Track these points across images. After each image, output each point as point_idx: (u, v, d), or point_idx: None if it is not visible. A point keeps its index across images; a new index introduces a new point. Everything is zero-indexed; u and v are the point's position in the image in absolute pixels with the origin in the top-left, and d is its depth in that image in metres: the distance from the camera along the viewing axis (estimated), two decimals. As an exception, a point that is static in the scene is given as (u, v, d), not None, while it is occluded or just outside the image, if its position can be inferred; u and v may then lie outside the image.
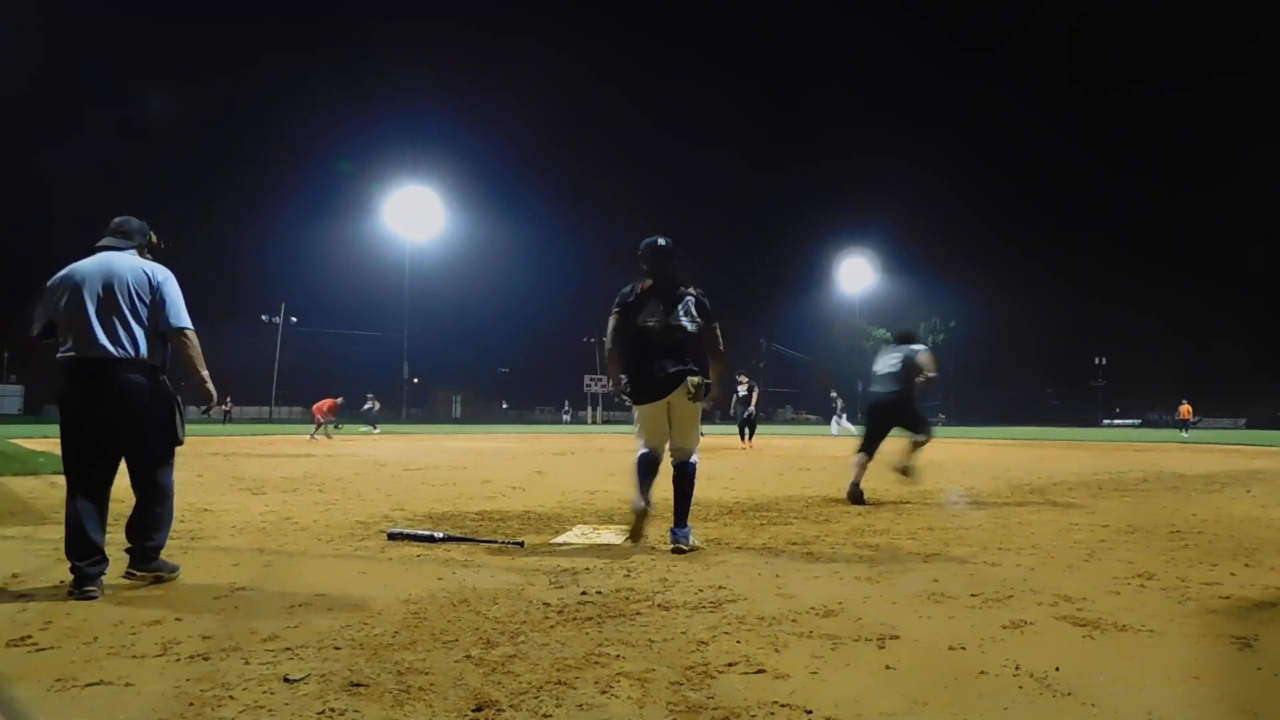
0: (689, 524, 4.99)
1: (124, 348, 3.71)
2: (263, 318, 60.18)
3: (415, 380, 71.58)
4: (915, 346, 7.94)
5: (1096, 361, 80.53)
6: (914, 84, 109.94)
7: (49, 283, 3.87)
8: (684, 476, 5.03)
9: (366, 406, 31.51)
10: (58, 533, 5.21)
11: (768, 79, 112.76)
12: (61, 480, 4.02)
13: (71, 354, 3.71)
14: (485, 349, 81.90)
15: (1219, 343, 76.53)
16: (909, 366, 7.75)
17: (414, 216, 67.30)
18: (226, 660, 2.63)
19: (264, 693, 2.33)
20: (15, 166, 59.19)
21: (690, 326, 4.93)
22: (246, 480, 9.39)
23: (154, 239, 4.15)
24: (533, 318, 79.32)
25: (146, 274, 3.84)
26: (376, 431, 29.27)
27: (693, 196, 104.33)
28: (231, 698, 2.29)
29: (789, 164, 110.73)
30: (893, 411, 7.95)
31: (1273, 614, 3.37)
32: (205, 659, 2.63)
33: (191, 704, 2.24)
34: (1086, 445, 23.04)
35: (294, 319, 62.46)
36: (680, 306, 4.93)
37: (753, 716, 2.18)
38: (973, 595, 3.63)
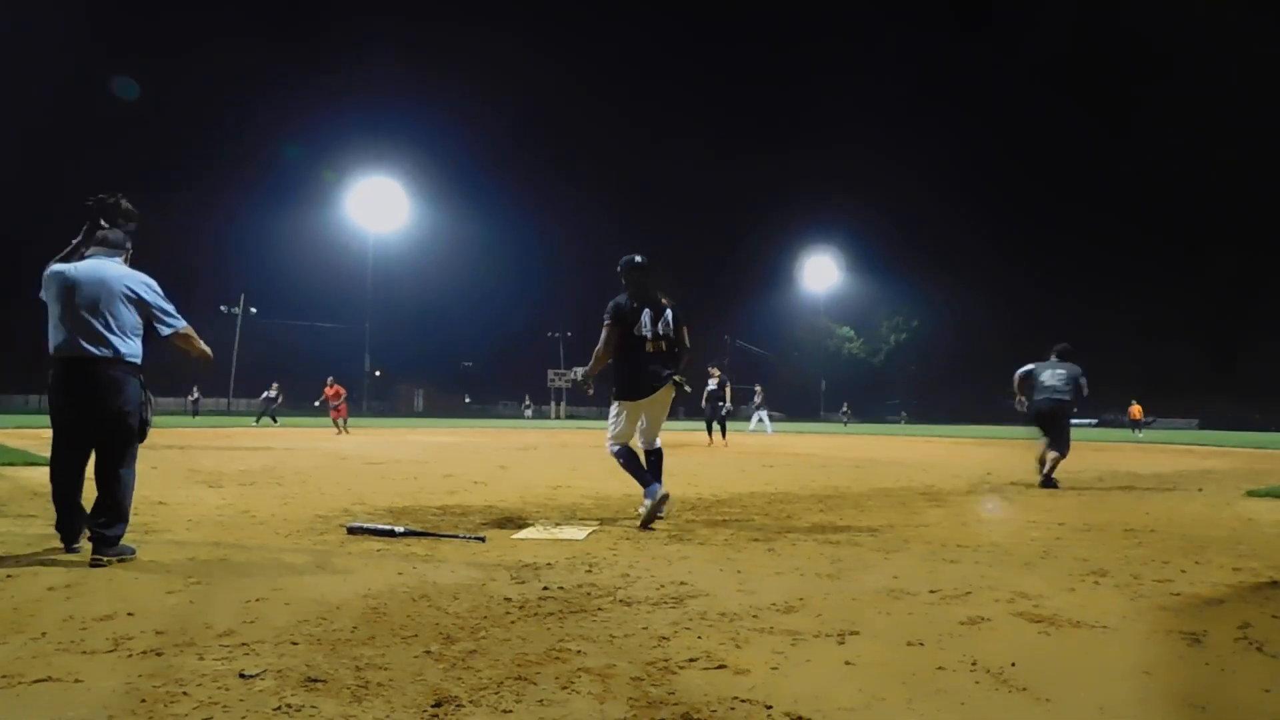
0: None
1: (103, 348, 4.11)
2: (221, 308, 59.15)
3: (377, 373, 70.87)
4: (1077, 366, 9.26)
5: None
6: (879, 82, 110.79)
7: (46, 272, 4.26)
8: (659, 457, 5.92)
9: (267, 394, 28.50)
10: (5, 525, 5.14)
11: (734, 74, 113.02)
12: (8, 470, 4.07)
13: (56, 351, 4.13)
14: (448, 343, 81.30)
15: (1173, 344, 78.16)
16: (1077, 383, 9.14)
17: (378, 208, 66.65)
18: (180, 656, 2.58)
19: (219, 689, 2.29)
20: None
21: (674, 335, 5.77)
22: (203, 473, 9.24)
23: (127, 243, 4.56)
24: (496, 312, 78.89)
25: (129, 284, 4.27)
26: (275, 425, 27.03)
27: (658, 192, 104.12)
28: (185, 694, 2.24)
29: (754, 160, 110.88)
30: (1058, 419, 9.13)
31: (1221, 610, 3.45)
32: (158, 655, 2.59)
33: (144, 700, 2.19)
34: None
35: (254, 310, 61.49)
36: (664, 319, 5.71)
37: (713, 712, 2.18)
38: (932, 592, 3.67)
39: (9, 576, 3.69)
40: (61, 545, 4.26)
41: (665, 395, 5.76)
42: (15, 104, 63.93)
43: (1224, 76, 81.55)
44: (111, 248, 4.41)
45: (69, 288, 4.13)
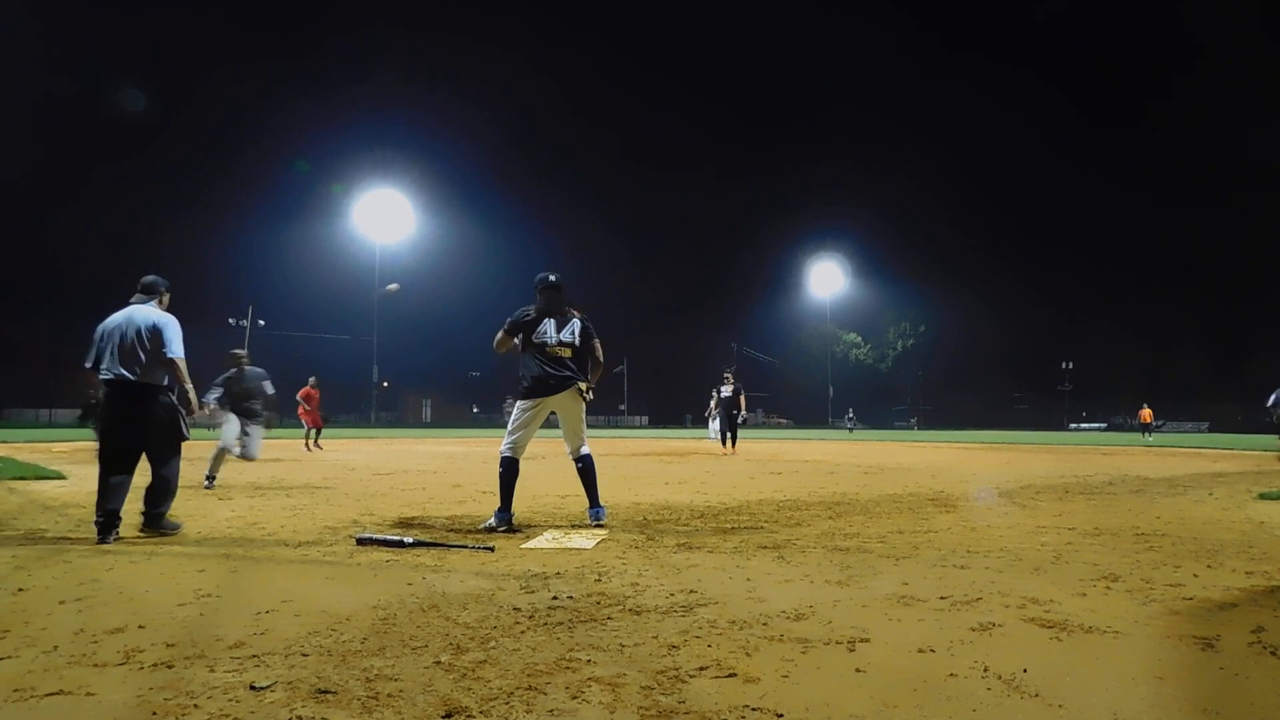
0: (601, 504, 6.11)
1: (135, 372, 5.36)
2: (230, 321, 59.31)
3: (385, 384, 70.99)
4: None
5: (1063, 366, 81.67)
6: (883, 90, 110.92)
7: (98, 329, 5.52)
8: (589, 465, 6.08)
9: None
10: (15, 540, 5.15)
11: (737, 84, 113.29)
12: (19, 485, 4.20)
13: (105, 376, 5.38)
14: (455, 353, 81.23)
15: (1183, 347, 77.88)
16: None
17: (384, 220, 66.93)
18: (191, 668, 2.58)
19: (230, 701, 2.29)
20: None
21: (579, 344, 6.08)
22: (212, 486, 9.24)
23: (167, 290, 5.80)
24: (503, 321, 79.16)
25: (154, 321, 5.47)
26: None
27: (663, 201, 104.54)
28: (196, 706, 2.25)
29: (759, 169, 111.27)
30: None
31: (1234, 615, 3.43)
32: (169, 667, 2.59)
33: (155, 713, 2.20)
34: (1053, 449, 23.33)
35: (262, 322, 61.69)
36: (569, 328, 6.07)
37: (724, 721, 2.18)
38: (942, 598, 3.66)
39: (20, 590, 3.70)
40: (96, 538, 5.13)
41: (569, 399, 5.99)
42: (27, 124, 64.52)
43: (1228, 78, 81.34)
44: (146, 293, 5.70)
45: (112, 330, 5.43)
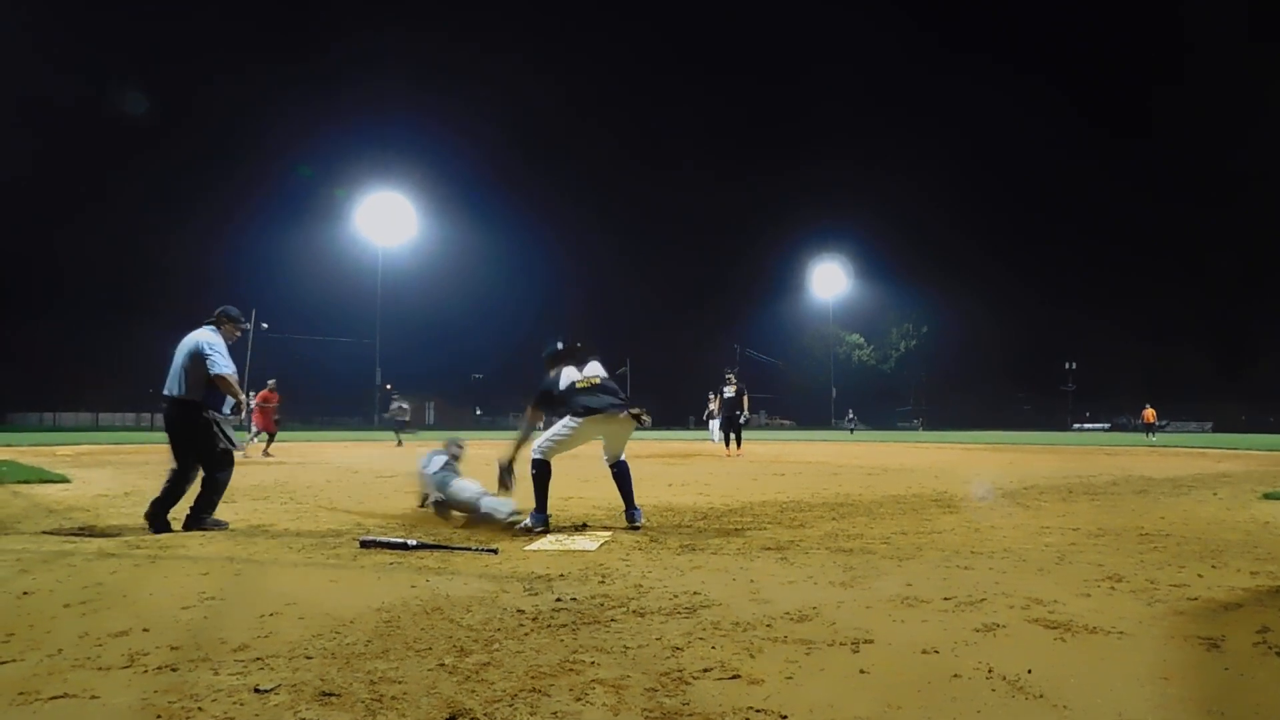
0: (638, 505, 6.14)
1: (177, 390, 5.91)
2: (233, 324, 59.33)
3: (388, 387, 71.01)
4: None
5: (1066, 366, 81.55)
6: (884, 92, 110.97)
7: None
8: (624, 470, 6.13)
9: (398, 406, 26.94)
10: (21, 542, 5.18)
11: (739, 85, 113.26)
12: (23, 489, 4.21)
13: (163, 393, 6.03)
14: (458, 355, 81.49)
15: (1186, 348, 77.86)
16: None
17: (387, 222, 67.02)
18: (195, 671, 2.59)
19: (234, 704, 2.29)
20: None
21: (605, 375, 6.22)
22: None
23: (230, 318, 6.36)
24: (506, 324, 78.69)
25: (199, 344, 5.98)
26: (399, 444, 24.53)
27: (665, 202, 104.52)
28: (201, 709, 2.25)
29: (761, 170, 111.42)
30: None
31: (1239, 615, 3.42)
32: (173, 670, 2.59)
33: (159, 716, 2.20)
34: (1057, 449, 23.30)
35: (265, 325, 61.80)
36: (589, 366, 6.21)
37: (728, 722, 2.17)
38: (946, 599, 3.65)
39: (25, 593, 3.71)
40: (149, 527, 5.78)
41: (621, 424, 6.00)
42: (29, 128, 64.67)
43: (1231, 79, 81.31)
44: (209, 317, 6.26)
45: (174, 353, 6.04)
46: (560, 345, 6.32)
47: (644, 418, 6.00)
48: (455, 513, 6.25)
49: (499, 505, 5.98)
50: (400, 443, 25.47)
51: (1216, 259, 78.80)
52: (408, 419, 25.36)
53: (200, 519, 5.86)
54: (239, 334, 6.45)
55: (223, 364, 5.97)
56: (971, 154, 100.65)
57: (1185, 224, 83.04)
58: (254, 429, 18.73)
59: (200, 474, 5.97)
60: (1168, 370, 74.15)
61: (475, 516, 6.04)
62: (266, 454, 18.02)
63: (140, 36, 73.71)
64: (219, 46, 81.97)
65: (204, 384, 5.91)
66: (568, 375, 6.11)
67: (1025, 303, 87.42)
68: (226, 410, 6.08)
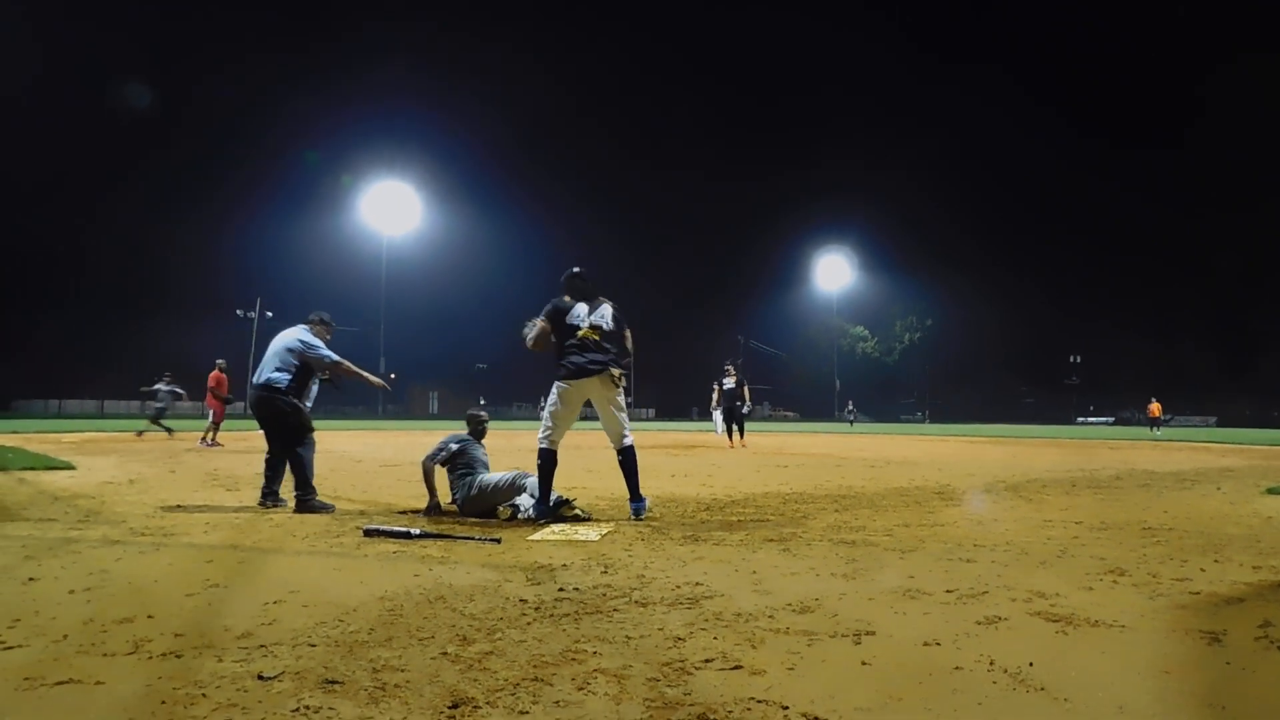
0: (644, 496, 6.09)
1: (263, 379, 6.51)
2: (238, 312, 59.41)
3: (392, 376, 70.92)
4: None
5: (1071, 360, 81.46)
6: (892, 89, 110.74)
7: None
8: (630, 458, 6.06)
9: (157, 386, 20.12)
10: (27, 529, 5.20)
11: (747, 81, 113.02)
12: (29, 475, 4.25)
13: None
14: (462, 345, 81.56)
15: (1191, 343, 77.78)
16: None
17: (392, 212, 67.03)
18: (199, 658, 2.60)
19: (237, 691, 2.30)
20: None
21: (611, 329, 6.08)
22: (220, 477, 9.30)
23: (323, 320, 7.05)
24: (510, 314, 78.48)
25: (299, 340, 6.71)
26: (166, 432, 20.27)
27: (670, 194, 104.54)
28: (204, 696, 2.26)
29: (767, 163, 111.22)
30: None
31: (1241, 609, 3.42)
32: (178, 657, 2.61)
33: (164, 702, 2.21)
34: (1060, 443, 23.28)
35: (270, 313, 61.84)
36: (599, 312, 6.09)
37: (729, 712, 2.18)
38: (948, 591, 3.65)
39: (31, 579, 3.72)
40: (262, 503, 6.48)
41: (602, 386, 5.94)
42: (35, 119, 64.74)
43: (1237, 80, 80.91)
44: (305, 320, 6.96)
45: (272, 344, 6.75)
46: (578, 270, 6.32)
47: (619, 381, 5.99)
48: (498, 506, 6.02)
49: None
50: (145, 430, 21.15)
51: (1222, 255, 78.67)
52: (164, 405, 19.97)
53: (308, 501, 6.22)
54: (329, 336, 7.01)
55: (332, 354, 6.70)
56: (978, 150, 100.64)
57: (1191, 221, 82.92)
58: (212, 417, 17.15)
59: (287, 455, 6.48)
60: (1172, 365, 74.04)
61: (516, 503, 5.94)
62: (213, 442, 16.53)
63: (148, 27, 73.71)
64: (225, 36, 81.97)
65: (292, 373, 6.52)
66: (577, 313, 6.05)
67: (1029, 297, 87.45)
68: (314, 394, 6.83)
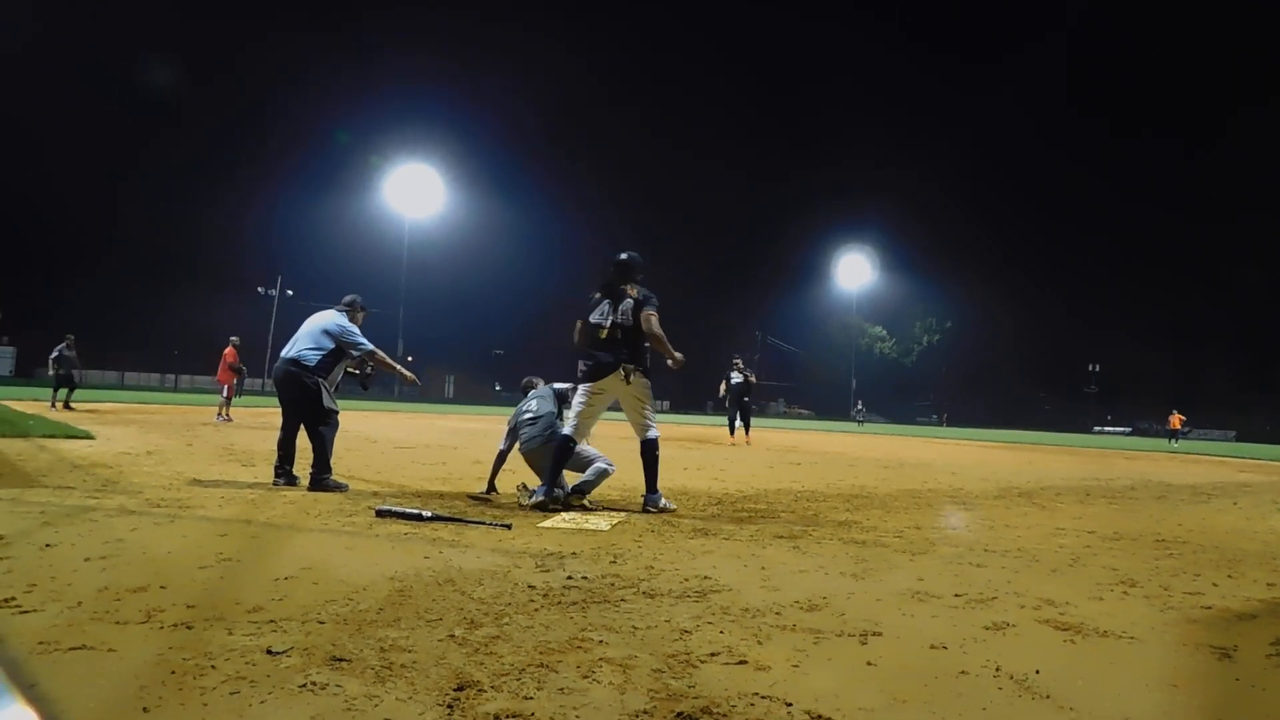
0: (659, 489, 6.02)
1: (290, 357, 6.47)
2: (259, 290, 59.79)
3: (409, 359, 71.42)
4: None
5: (1090, 368, 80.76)
6: (915, 91, 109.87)
7: None
8: (651, 450, 6.04)
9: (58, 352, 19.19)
10: (45, 496, 5.26)
11: (772, 78, 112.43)
12: (49, 443, 4.30)
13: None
14: (480, 330, 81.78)
15: (1211, 356, 76.97)
16: None
17: (414, 194, 67.15)
18: (210, 630, 2.63)
19: (246, 664, 2.33)
20: (14, 140, 58.87)
21: (629, 323, 5.94)
22: (237, 452, 9.38)
23: (361, 306, 7.06)
24: (528, 301, 78.89)
25: (337, 324, 6.70)
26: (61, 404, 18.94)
27: (691, 187, 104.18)
28: (214, 667, 2.29)
29: (791, 160, 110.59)
30: None
31: (1253, 625, 3.39)
32: (189, 628, 2.64)
33: (174, 672, 2.24)
34: (1076, 451, 23.12)
35: (290, 291, 62.15)
36: (621, 307, 5.97)
37: (733, 707, 2.18)
38: (956, 595, 3.64)
39: (48, 545, 3.77)
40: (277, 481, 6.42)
41: (619, 384, 5.93)
42: (66, 94, 65.32)
43: (1259, 85, 79.87)
44: (340, 303, 6.96)
45: (305, 323, 6.75)
46: (622, 257, 6.20)
47: (632, 377, 5.91)
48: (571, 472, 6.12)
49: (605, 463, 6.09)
50: (62, 404, 19.13)
51: (1246, 268, 77.73)
52: (64, 370, 19.10)
53: (323, 480, 6.25)
54: (360, 320, 6.99)
55: (368, 344, 6.71)
56: (1001, 154, 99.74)
57: (1214, 232, 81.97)
58: (225, 393, 17.63)
59: (306, 433, 6.45)
60: (1192, 377, 73.33)
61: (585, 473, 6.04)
62: (227, 417, 17.09)
63: (180, 2, 74.09)
64: (253, 14, 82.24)
65: (323, 353, 6.51)
66: (602, 311, 6.03)
67: (1049, 303, 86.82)
68: (338, 379, 6.77)
